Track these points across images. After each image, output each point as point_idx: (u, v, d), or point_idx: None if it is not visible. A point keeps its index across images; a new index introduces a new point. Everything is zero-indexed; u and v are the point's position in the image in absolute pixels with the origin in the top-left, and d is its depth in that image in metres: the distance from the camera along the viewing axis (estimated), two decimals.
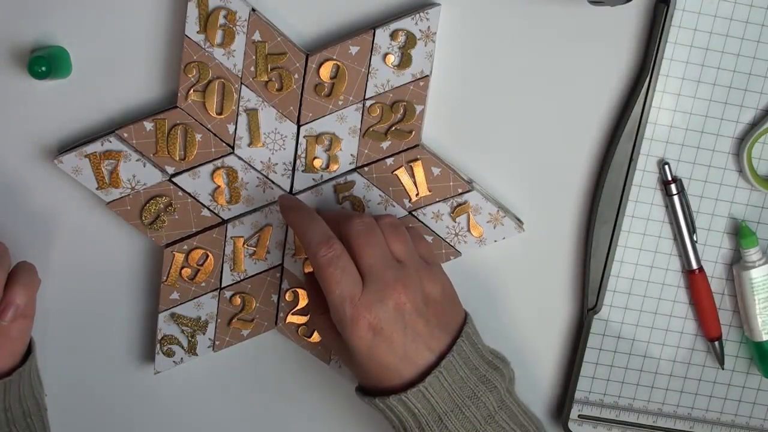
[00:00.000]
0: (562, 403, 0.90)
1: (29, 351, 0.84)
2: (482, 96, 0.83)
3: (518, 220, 0.84)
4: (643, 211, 0.85)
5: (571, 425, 0.89)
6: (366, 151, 0.82)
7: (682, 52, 0.81)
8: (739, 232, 0.85)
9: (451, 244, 0.84)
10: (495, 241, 0.84)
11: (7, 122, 0.82)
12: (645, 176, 0.84)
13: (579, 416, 0.90)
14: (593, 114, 0.83)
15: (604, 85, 0.82)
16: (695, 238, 0.85)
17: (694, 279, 0.86)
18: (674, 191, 0.83)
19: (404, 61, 0.79)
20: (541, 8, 0.80)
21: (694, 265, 0.85)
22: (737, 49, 0.81)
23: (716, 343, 0.87)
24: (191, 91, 0.80)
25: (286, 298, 0.85)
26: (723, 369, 0.89)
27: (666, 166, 0.83)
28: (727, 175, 0.84)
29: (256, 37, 0.78)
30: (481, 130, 0.83)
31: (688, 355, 0.88)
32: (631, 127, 0.81)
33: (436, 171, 0.82)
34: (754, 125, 0.83)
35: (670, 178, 0.83)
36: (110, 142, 0.80)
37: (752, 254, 0.84)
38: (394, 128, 0.81)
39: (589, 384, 0.89)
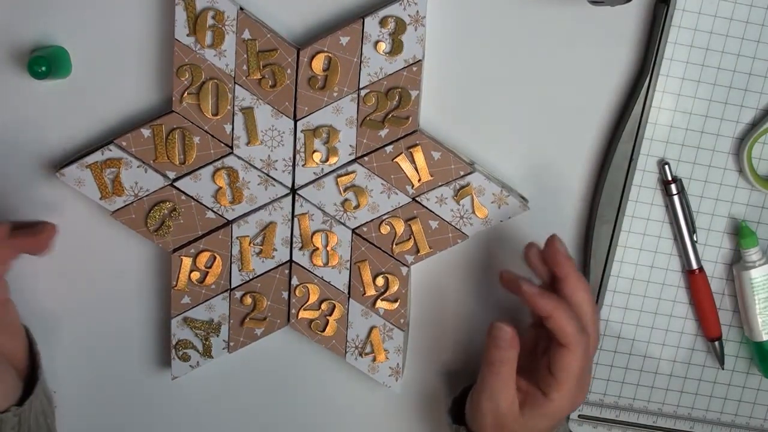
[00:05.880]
0: None
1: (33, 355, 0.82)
2: (478, 85, 0.80)
3: (522, 198, 0.82)
4: (643, 211, 0.82)
5: (571, 425, 0.87)
6: (364, 140, 0.79)
7: (682, 52, 0.79)
8: (739, 232, 0.82)
9: (457, 227, 0.81)
10: (501, 221, 0.81)
11: (7, 124, 0.80)
12: (645, 176, 0.81)
13: (579, 416, 0.87)
14: (593, 114, 0.81)
15: (604, 85, 0.80)
16: (695, 238, 0.82)
17: (694, 279, 0.83)
18: (674, 191, 0.81)
19: (396, 48, 0.76)
20: (541, 8, 0.78)
21: (694, 265, 0.83)
22: (737, 49, 0.79)
23: (716, 343, 0.85)
24: (185, 94, 0.77)
25: (297, 293, 0.83)
26: (723, 369, 0.86)
27: (666, 166, 0.81)
28: (727, 175, 0.82)
29: (246, 35, 0.76)
30: (479, 121, 0.81)
31: (688, 355, 0.86)
32: (631, 127, 0.79)
33: (436, 155, 0.79)
34: (754, 125, 0.81)
35: (670, 178, 0.81)
36: (110, 150, 0.78)
37: (752, 254, 0.82)
38: (390, 116, 0.78)
39: (589, 384, 0.84)
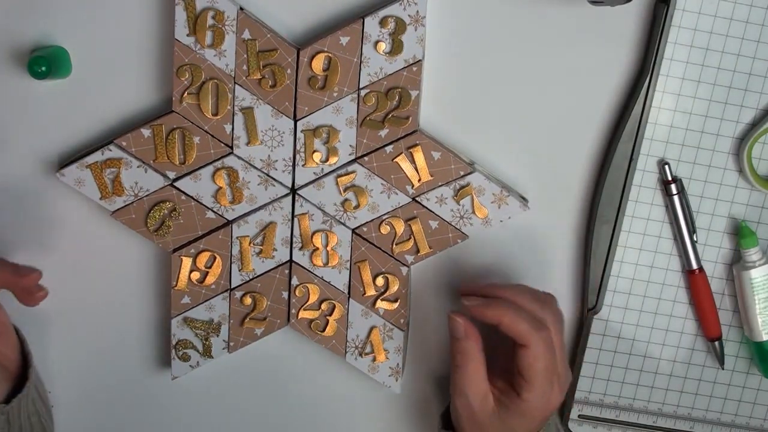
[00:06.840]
0: (563, 403, 0.85)
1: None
2: (478, 85, 0.79)
3: (522, 198, 0.81)
4: (643, 211, 0.82)
5: (571, 425, 0.86)
6: (364, 140, 0.78)
7: (682, 52, 0.78)
8: (739, 232, 0.81)
9: (457, 227, 0.80)
10: (501, 221, 0.80)
11: (6, 126, 0.80)
12: (645, 176, 0.81)
13: (579, 416, 0.87)
14: (593, 114, 0.80)
15: (604, 85, 0.79)
16: (695, 238, 0.81)
17: (694, 279, 0.82)
18: (674, 191, 0.80)
19: (396, 48, 0.76)
20: (541, 8, 0.77)
21: (694, 265, 0.82)
22: (737, 49, 0.78)
23: (716, 343, 0.84)
24: (185, 94, 0.77)
25: (297, 294, 0.82)
26: (723, 369, 0.85)
27: (666, 166, 0.80)
28: (727, 175, 0.81)
29: (246, 35, 0.75)
30: (479, 121, 0.80)
31: (688, 355, 0.85)
32: (631, 127, 0.78)
33: (436, 155, 0.79)
34: (754, 125, 0.80)
35: (670, 178, 0.80)
36: (110, 150, 0.78)
37: (752, 254, 0.81)
38: (390, 116, 0.78)
39: (589, 384, 0.85)
